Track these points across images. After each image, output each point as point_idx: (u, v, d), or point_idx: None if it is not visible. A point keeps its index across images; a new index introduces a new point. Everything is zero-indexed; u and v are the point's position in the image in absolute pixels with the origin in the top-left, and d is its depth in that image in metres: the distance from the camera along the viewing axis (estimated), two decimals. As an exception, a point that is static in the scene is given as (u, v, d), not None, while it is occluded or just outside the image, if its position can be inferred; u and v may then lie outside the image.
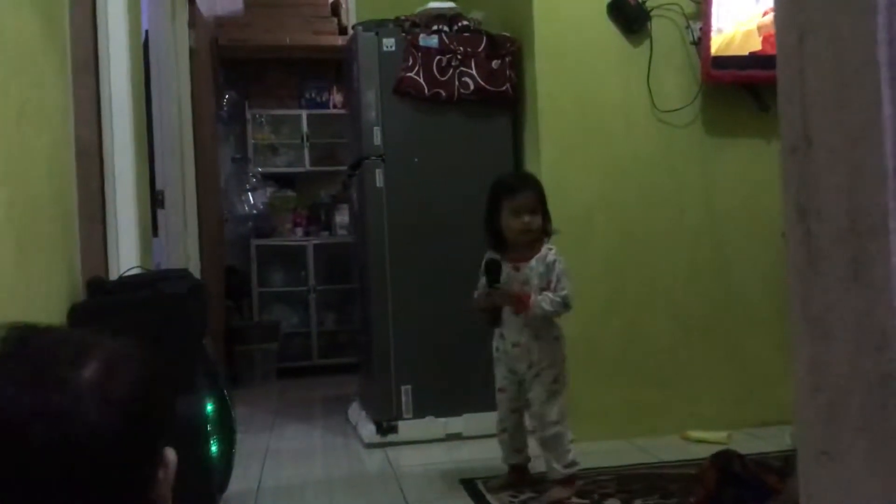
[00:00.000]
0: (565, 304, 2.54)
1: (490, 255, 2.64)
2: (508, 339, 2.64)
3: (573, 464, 2.57)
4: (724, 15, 3.25)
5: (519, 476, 2.72)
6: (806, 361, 0.48)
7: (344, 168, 5.35)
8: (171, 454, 0.74)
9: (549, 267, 2.56)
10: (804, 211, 0.47)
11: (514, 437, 2.71)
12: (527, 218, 2.58)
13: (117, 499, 0.70)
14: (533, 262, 2.58)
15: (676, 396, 3.32)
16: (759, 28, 3.26)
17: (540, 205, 2.62)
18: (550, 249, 2.59)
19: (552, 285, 2.55)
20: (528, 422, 2.70)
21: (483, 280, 2.62)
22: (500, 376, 2.69)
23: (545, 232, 2.63)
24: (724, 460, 2.15)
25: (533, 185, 2.67)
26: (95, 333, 0.78)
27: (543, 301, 2.52)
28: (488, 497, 2.61)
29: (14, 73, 2.01)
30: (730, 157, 3.40)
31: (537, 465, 2.72)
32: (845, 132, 0.43)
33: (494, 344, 2.70)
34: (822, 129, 0.44)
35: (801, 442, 0.49)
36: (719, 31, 3.25)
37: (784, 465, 2.34)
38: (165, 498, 0.74)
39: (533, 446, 2.70)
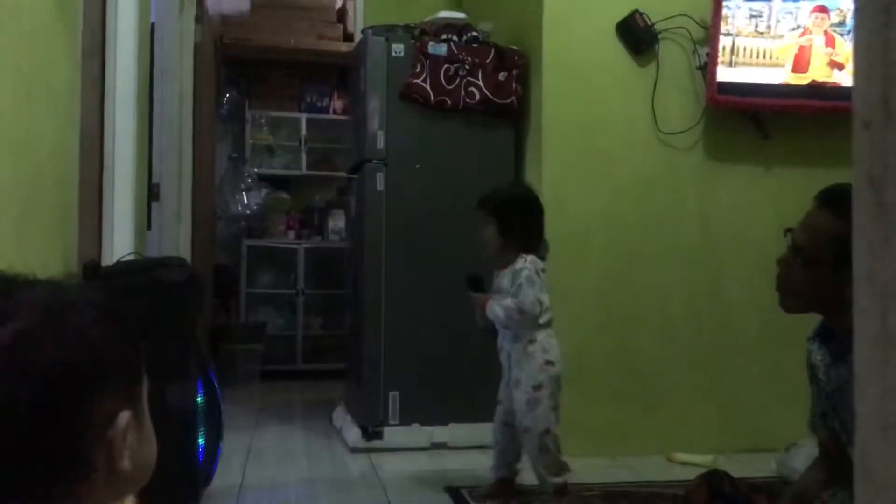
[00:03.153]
0: (519, 310, 2.51)
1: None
2: (499, 345, 2.66)
3: (563, 470, 2.55)
4: (733, 45, 3.28)
5: (504, 488, 2.70)
6: (870, 336, 0.48)
7: (340, 174, 5.37)
8: (122, 417, 0.72)
9: (514, 274, 2.56)
10: (879, 184, 0.48)
11: (505, 451, 2.69)
12: (483, 234, 2.63)
13: (41, 466, 0.68)
14: (507, 269, 2.60)
15: (663, 417, 3.33)
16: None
17: (494, 219, 2.62)
18: (522, 258, 2.57)
19: (513, 292, 2.55)
20: None
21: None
22: (500, 388, 2.70)
23: (521, 246, 2.60)
24: (715, 480, 2.15)
25: (486, 200, 2.67)
26: (50, 288, 0.75)
27: (496, 305, 2.55)
28: (473, 505, 2.59)
29: (27, 49, 2.00)
30: (729, 183, 3.42)
31: (526, 477, 2.71)
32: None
33: None
34: (904, 100, 0.45)
35: (863, 417, 0.49)
36: (726, 62, 3.27)
37: (771, 488, 2.34)
38: (118, 462, 0.72)
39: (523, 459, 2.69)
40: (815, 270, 1.66)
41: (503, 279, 2.61)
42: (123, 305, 0.78)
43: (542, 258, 2.63)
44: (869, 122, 0.48)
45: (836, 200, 1.63)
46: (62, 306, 0.73)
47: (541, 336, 2.57)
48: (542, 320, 2.57)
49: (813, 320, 1.90)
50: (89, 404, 0.70)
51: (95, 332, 0.73)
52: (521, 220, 2.62)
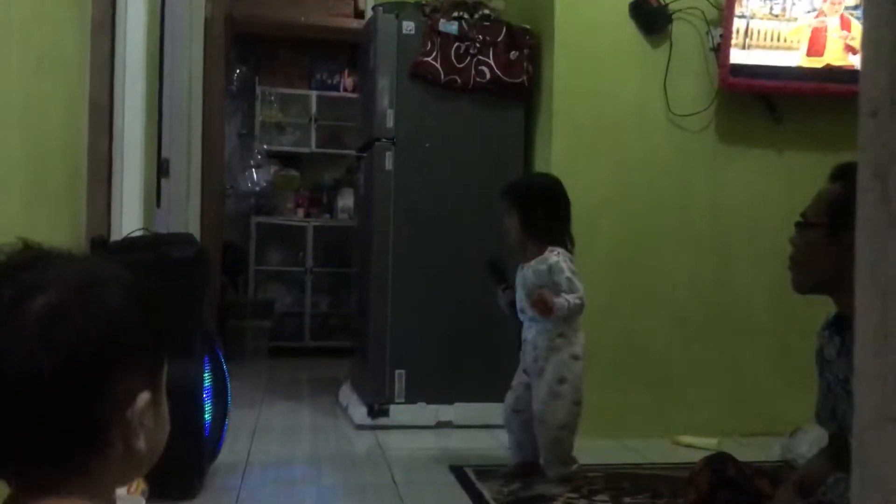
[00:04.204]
0: (582, 305, 2.53)
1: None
2: (524, 336, 2.64)
3: (571, 462, 2.55)
4: (747, 28, 3.24)
5: (527, 470, 2.67)
6: (872, 326, 0.47)
7: (349, 152, 5.35)
8: (142, 398, 0.72)
9: (552, 269, 2.52)
10: (884, 172, 0.47)
11: (521, 442, 2.68)
12: (505, 224, 2.61)
13: (59, 438, 0.69)
14: (533, 262, 2.57)
15: (668, 400, 3.33)
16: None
17: (516, 209, 2.59)
18: (553, 251, 2.55)
19: (563, 288, 2.50)
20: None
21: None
22: (516, 374, 2.69)
23: (544, 238, 2.58)
24: (719, 463, 2.14)
25: (509, 189, 2.65)
26: (83, 264, 0.76)
27: (561, 298, 2.49)
28: (477, 484, 2.60)
29: (35, 20, 1.99)
30: (740, 167, 3.40)
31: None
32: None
33: None
34: (912, 88, 0.45)
35: (862, 408, 0.48)
36: (740, 44, 3.23)
37: (775, 472, 2.34)
38: (133, 441, 0.72)
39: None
40: (813, 233, 1.71)
41: (528, 272, 2.57)
42: (154, 288, 0.79)
43: (570, 251, 2.60)
44: (875, 111, 0.48)
45: (843, 173, 1.66)
46: (94, 282, 0.73)
47: (569, 330, 2.56)
48: None
49: (822, 306, 1.89)
50: (112, 381, 0.71)
51: (125, 311, 0.73)
52: (544, 212, 2.58)
